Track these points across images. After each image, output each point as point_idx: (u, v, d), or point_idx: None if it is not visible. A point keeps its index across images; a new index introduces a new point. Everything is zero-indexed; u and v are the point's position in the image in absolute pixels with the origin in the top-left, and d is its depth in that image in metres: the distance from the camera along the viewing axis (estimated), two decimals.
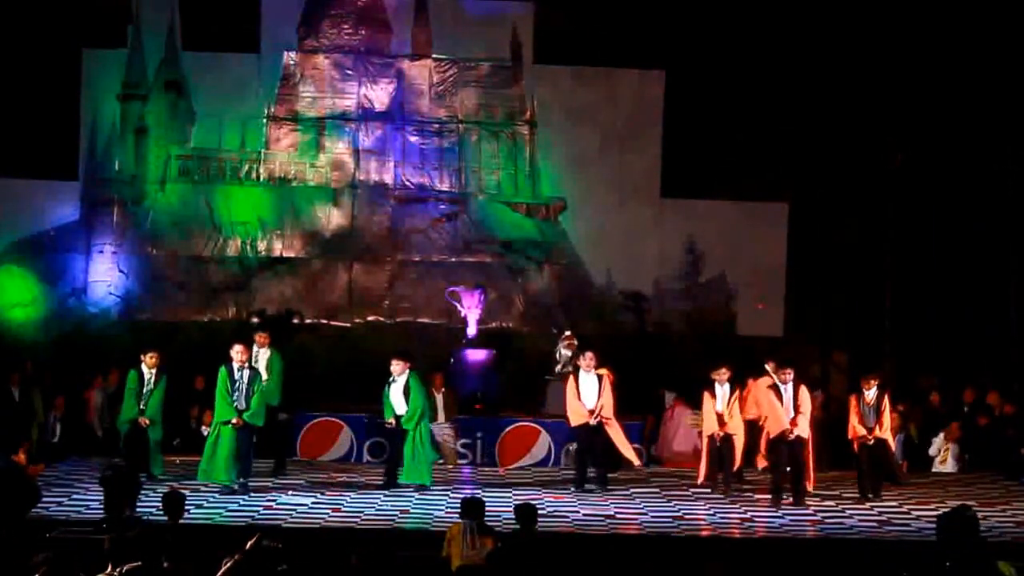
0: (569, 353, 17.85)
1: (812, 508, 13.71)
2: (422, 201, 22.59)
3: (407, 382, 14.60)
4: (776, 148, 21.54)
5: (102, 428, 17.40)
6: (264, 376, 14.70)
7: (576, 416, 14.93)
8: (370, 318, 22.02)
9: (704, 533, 12.36)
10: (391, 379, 14.66)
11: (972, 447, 16.91)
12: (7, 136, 20.56)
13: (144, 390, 14.84)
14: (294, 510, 12.89)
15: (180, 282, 21.78)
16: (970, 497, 13.81)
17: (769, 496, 14.06)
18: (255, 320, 21.12)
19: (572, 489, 14.65)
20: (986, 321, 20.75)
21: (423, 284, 22.07)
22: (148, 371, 14.90)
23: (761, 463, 15.57)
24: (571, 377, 15.23)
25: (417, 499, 13.76)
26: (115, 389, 17.44)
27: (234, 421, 13.95)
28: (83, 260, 21.63)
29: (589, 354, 15.25)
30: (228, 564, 7.08)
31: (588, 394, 14.94)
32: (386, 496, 13.92)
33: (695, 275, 22.59)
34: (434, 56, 22.75)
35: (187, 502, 10.64)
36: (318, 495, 13.89)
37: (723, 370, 14.98)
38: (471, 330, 19.08)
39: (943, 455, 16.89)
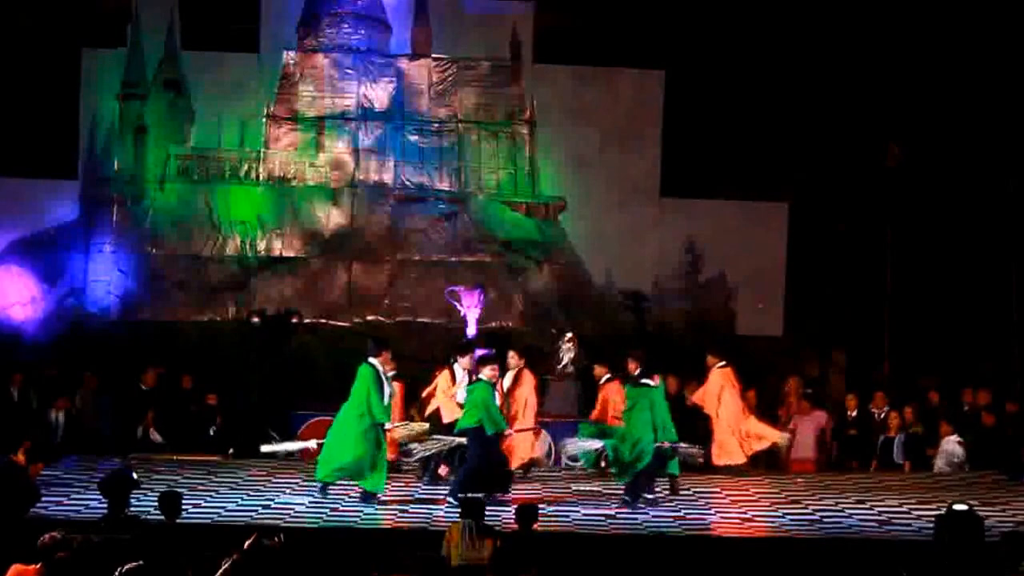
0: (572, 353, 17.84)
1: (812, 508, 13.69)
2: (422, 201, 22.58)
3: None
4: (776, 148, 21.53)
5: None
6: None
7: None
8: (370, 318, 21.98)
9: (704, 533, 12.34)
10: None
11: (972, 447, 16.87)
12: (7, 136, 20.56)
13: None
14: (293, 510, 12.88)
15: (180, 282, 21.76)
16: (970, 497, 13.77)
17: None
18: (255, 320, 21.12)
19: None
20: (986, 321, 20.74)
21: (423, 284, 22.05)
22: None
23: None
24: None
25: (417, 499, 13.76)
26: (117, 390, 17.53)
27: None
28: (83, 260, 21.62)
29: None
30: (227, 564, 7.07)
31: None
32: (385, 496, 13.89)
33: (695, 275, 22.59)
34: (434, 56, 22.74)
35: (185, 501, 10.62)
36: (316, 495, 13.85)
37: None
38: (471, 330, 19.06)
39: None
